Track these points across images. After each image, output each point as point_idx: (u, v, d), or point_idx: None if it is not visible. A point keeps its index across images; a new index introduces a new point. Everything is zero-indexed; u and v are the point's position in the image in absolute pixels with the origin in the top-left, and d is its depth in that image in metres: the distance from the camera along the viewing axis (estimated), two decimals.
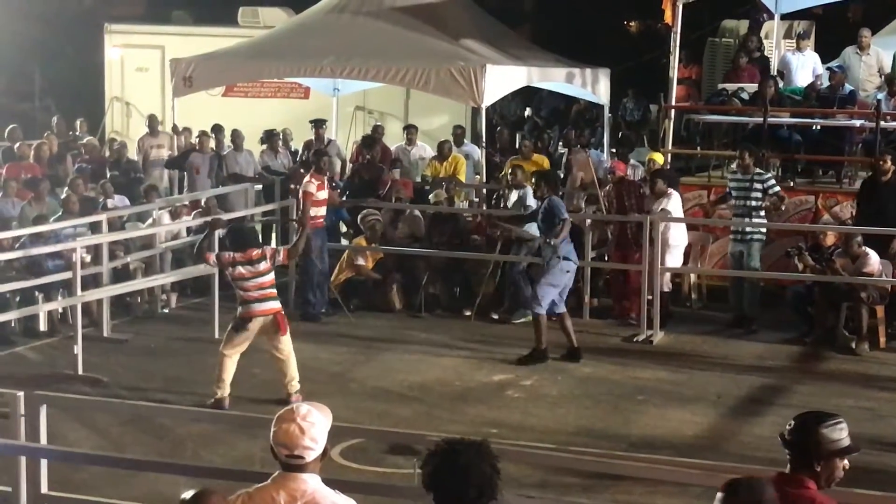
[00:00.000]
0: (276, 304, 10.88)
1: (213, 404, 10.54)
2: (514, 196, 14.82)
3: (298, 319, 14.09)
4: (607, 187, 14.55)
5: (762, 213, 13.98)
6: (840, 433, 4.79)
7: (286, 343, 10.88)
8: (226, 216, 14.24)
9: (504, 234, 14.40)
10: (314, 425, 4.63)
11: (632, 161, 17.28)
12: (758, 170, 14.07)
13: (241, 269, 10.77)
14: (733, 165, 15.10)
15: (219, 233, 12.02)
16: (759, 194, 13.87)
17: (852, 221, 14.46)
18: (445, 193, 15.76)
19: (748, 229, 13.93)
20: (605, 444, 9.52)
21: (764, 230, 14.03)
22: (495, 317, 14.39)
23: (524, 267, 14.33)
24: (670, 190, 14.25)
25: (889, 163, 13.88)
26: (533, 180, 13.06)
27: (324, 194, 14.20)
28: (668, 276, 14.21)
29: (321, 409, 4.74)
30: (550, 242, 12.30)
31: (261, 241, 15.69)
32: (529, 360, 12.42)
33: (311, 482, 4.66)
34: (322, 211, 14.26)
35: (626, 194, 14.21)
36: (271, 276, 10.91)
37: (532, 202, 14.66)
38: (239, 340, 10.81)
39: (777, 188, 13.98)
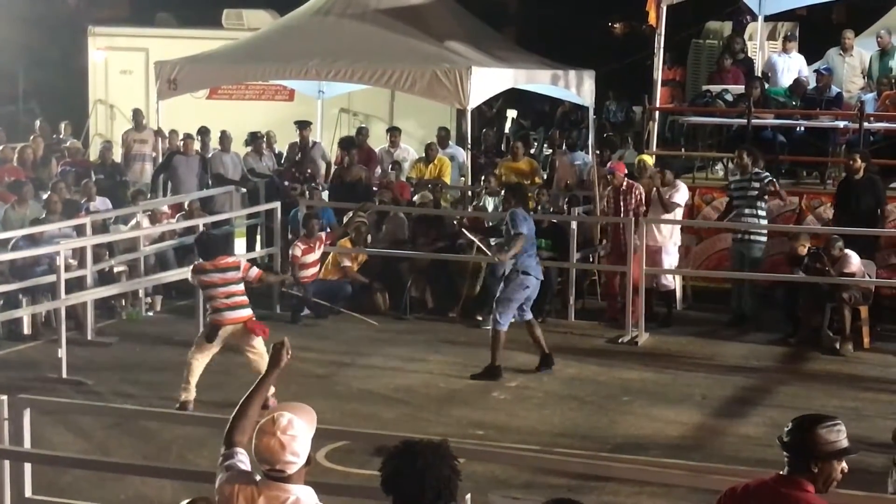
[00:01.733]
0: (246, 312, 10.86)
1: (179, 407, 10.52)
2: (491, 203, 14.81)
3: (289, 321, 14.15)
4: (607, 190, 14.48)
5: (762, 212, 14.05)
6: (838, 435, 4.79)
7: (260, 343, 10.84)
8: (209, 219, 14.25)
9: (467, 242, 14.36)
10: (295, 438, 4.53)
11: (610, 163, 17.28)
12: (755, 169, 14.13)
13: (211, 276, 10.78)
14: (726, 165, 15.16)
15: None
16: (756, 193, 13.94)
17: (832, 223, 14.52)
18: (430, 196, 15.77)
19: (749, 230, 14.01)
20: (590, 445, 9.53)
21: (764, 231, 14.09)
22: (480, 318, 14.38)
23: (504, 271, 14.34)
24: (677, 181, 14.34)
25: (859, 161, 13.98)
26: (502, 193, 12.97)
27: (312, 257, 14.49)
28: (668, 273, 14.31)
29: (305, 413, 4.64)
30: (497, 259, 12.24)
31: (233, 248, 15.83)
32: (483, 376, 12.03)
33: (296, 492, 4.58)
34: (311, 271, 14.54)
35: (625, 198, 14.12)
36: (241, 286, 10.89)
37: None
38: (208, 347, 10.84)
39: (770, 177, 14.07)
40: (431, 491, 4.17)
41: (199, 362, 10.79)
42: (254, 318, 10.93)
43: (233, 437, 4.92)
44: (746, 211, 14.10)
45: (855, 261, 13.22)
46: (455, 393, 11.66)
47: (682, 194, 14.36)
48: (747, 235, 14.16)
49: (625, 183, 14.16)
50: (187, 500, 4.93)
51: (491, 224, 14.07)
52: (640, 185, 14.22)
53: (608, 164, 15.03)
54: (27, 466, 7.15)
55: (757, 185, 14.01)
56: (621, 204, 14.15)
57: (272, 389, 10.63)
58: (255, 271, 11.18)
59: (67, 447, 9.51)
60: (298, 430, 4.54)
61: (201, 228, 14.49)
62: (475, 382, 11.97)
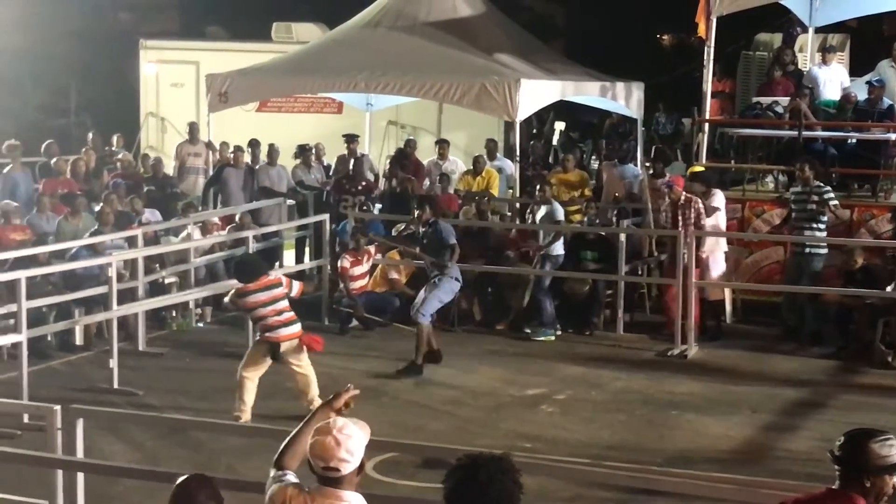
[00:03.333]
0: (298, 327, 10.90)
1: None
2: (541, 211, 14.84)
3: (337, 332, 14.23)
4: (665, 203, 14.41)
5: (822, 225, 13.95)
6: (890, 449, 4.76)
7: (305, 358, 10.88)
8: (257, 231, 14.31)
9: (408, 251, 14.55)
10: (350, 437, 4.61)
11: (668, 175, 17.21)
12: (817, 182, 14.04)
13: (258, 297, 10.77)
14: (777, 178, 15.05)
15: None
16: (818, 207, 13.84)
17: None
18: (474, 210, 15.75)
19: (808, 243, 13.91)
20: (639, 459, 9.46)
21: (824, 244, 13.98)
22: (528, 331, 14.37)
23: (547, 284, 14.39)
24: (712, 190, 14.25)
25: None
26: (417, 203, 13.18)
27: (360, 269, 14.66)
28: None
29: (359, 424, 4.72)
30: (443, 270, 12.55)
31: (282, 260, 15.93)
32: (405, 373, 12.49)
33: (348, 498, 4.62)
34: (360, 283, 14.68)
35: (683, 212, 13.94)
36: (287, 301, 10.92)
37: (560, 216, 14.71)
38: (261, 363, 10.83)
39: (835, 200, 13.96)
40: None
41: (253, 381, 10.77)
42: (304, 334, 10.94)
43: (283, 461, 4.99)
44: (806, 224, 13.99)
45: None
46: (503, 405, 11.65)
47: (719, 198, 14.28)
48: (807, 248, 14.04)
49: (683, 196, 13.97)
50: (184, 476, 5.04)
51: (408, 233, 14.20)
52: (699, 199, 14.05)
53: (666, 178, 14.86)
54: (80, 476, 7.21)
55: (817, 198, 13.90)
56: (679, 218, 13.95)
57: (319, 402, 10.75)
58: (297, 285, 11.19)
59: (119, 457, 9.58)
60: (353, 433, 4.64)
61: (251, 240, 14.60)
62: (523, 394, 11.98)
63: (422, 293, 12.71)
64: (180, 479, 4.96)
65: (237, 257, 12.41)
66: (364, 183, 17.06)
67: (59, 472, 7.19)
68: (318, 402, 10.82)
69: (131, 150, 20.39)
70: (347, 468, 4.61)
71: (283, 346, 10.73)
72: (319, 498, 4.62)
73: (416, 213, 12.89)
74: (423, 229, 12.73)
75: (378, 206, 16.87)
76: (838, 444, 4.82)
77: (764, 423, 11.15)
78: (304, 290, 11.50)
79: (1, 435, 10.05)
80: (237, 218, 15.93)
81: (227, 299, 11.43)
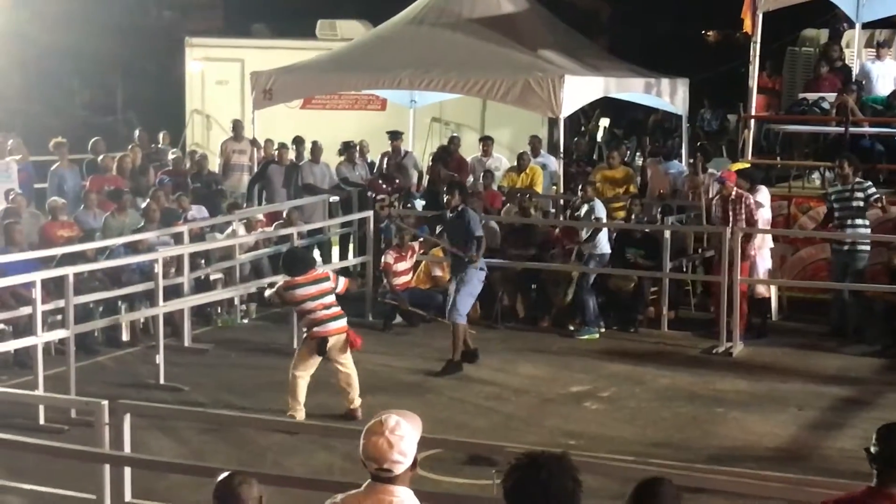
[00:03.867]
0: (345, 321, 10.91)
1: None
2: (584, 209, 14.80)
3: (381, 328, 14.31)
4: (714, 198, 14.34)
5: (865, 221, 13.82)
6: None
7: (349, 356, 10.88)
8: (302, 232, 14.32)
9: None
10: (403, 438, 4.58)
11: (710, 170, 17.14)
12: (857, 179, 13.93)
13: (307, 290, 10.77)
14: (823, 174, 14.94)
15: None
16: (860, 203, 13.72)
17: None
18: (516, 208, 15.72)
19: (850, 240, 13.82)
20: (684, 457, 9.43)
21: (868, 240, 13.86)
22: (572, 328, 14.34)
23: (591, 282, 14.35)
24: (757, 187, 14.17)
25: None
26: (445, 188, 13.03)
27: (404, 265, 14.67)
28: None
29: (411, 419, 4.68)
30: (468, 261, 12.38)
31: (330, 256, 15.95)
32: (444, 372, 12.38)
33: (401, 494, 4.61)
34: (403, 279, 14.69)
35: (734, 208, 13.82)
36: (334, 296, 10.91)
37: (602, 214, 14.66)
38: (312, 361, 10.83)
39: (877, 194, 13.84)
40: (556, 503, 4.16)
41: (304, 378, 10.78)
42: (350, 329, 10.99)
43: None
44: (849, 221, 13.88)
45: None
46: (547, 402, 11.64)
47: (763, 195, 14.21)
48: (851, 246, 13.92)
49: (734, 192, 13.84)
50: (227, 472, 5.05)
51: (431, 216, 14.17)
52: (750, 195, 13.96)
53: (718, 174, 14.74)
54: (127, 471, 7.28)
55: (860, 195, 13.77)
56: (730, 214, 13.81)
57: (360, 400, 10.75)
58: (342, 281, 11.18)
59: (165, 452, 9.64)
60: (405, 431, 4.60)
61: (296, 237, 14.65)
62: (566, 391, 11.96)
63: (452, 291, 12.64)
64: (221, 475, 4.98)
65: (286, 251, 12.42)
66: (397, 181, 17.04)
67: (107, 467, 7.25)
68: (358, 401, 10.85)
69: (177, 147, 20.51)
70: (401, 468, 4.60)
71: (331, 341, 10.74)
72: (372, 495, 4.62)
73: (446, 198, 12.83)
74: (450, 215, 12.62)
75: (421, 202, 16.87)
76: (873, 441, 4.78)
77: (810, 420, 11.08)
78: (348, 287, 11.44)
79: (49, 430, 10.14)
80: (284, 214, 15.98)
81: (269, 293, 11.44)
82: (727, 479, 6.70)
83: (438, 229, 14.08)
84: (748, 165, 15.18)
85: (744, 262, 13.63)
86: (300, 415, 10.65)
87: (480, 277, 12.65)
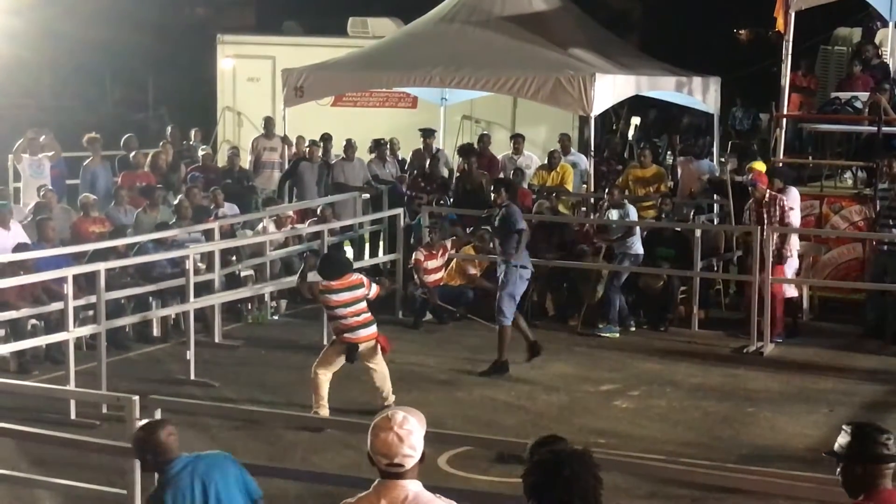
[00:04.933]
0: (374, 328, 10.89)
1: None
2: (614, 214, 14.76)
3: (411, 325, 14.38)
4: (749, 201, 14.24)
5: None
6: None
7: (381, 359, 10.89)
8: (332, 228, 14.34)
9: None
10: (412, 433, 4.63)
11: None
12: None
13: (342, 296, 10.77)
14: (855, 174, 14.84)
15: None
16: None
17: None
18: (547, 204, 15.69)
19: (892, 241, 13.74)
20: (714, 456, 9.40)
21: None
22: (600, 326, 14.31)
23: (622, 281, 14.31)
24: (787, 187, 14.10)
25: None
26: (493, 186, 12.90)
27: (434, 263, 14.64)
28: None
29: (415, 414, 4.74)
30: (508, 259, 12.19)
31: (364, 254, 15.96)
32: (491, 372, 12.27)
33: (412, 487, 4.66)
34: (434, 277, 14.66)
35: (768, 210, 13.70)
36: (365, 302, 10.90)
37: (633, 216, 14.61)
38: (337, 361, 10.83)
39: None
40: (578, 500, 4.15)
41: (326, 378, 10.79)
42: (379, 334, 10.96)
43: None
44: (891, 222, 13.80)
45: None
46: (577, 401, 11.62)
47: (793, 196, 14.14)
48: (885, 246, 13.82)
49: (768, 194, 13.75)
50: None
51: (483, 216, 14.09)
52: (784, 197, 13.85)
53: (749, 176, 14.66)
54: None
55: None
56: (764, 216, 13.69)
57: (393, 398, 10.78)
58: (374, 287, 11.12)
59: (195, 447, 9.63)
60: (413, 426, 4.66)
61: (327, 234, 14.64)
62: (596, 390, 11.94)
63: (498, 293, 12.55)
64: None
65: (323, 255, 12.40)
66: (439, 180, 17.07)
67: (137, 463, 7.27)
68: (392, 398, 10.87)
69: (208, 144, 20.59)
70: (411, 462, 4.65)
71: (362, 347, 10.75)
72: (385, 493, 4.67)
73: (493, 196, 12.75)
74: (497, 212, 12.55)
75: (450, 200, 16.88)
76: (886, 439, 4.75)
77: (841, 421, 10.87)
78: (378, 294, 11.33)
79: (80, 425, 10.20)
80: (319, 211, 16.01)
81: (301, 285, 11.42)
82: (757, 478, 6.68)
83: (469, 229, 14.11)
84: (763, 166, 15.10)
85: (781, 263, 13.56)
86: (324, 411, 10.65)
87: (523, 275, 12.46)
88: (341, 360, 10.84)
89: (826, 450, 4.86)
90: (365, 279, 11.13)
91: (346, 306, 10.76)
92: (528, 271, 12.59)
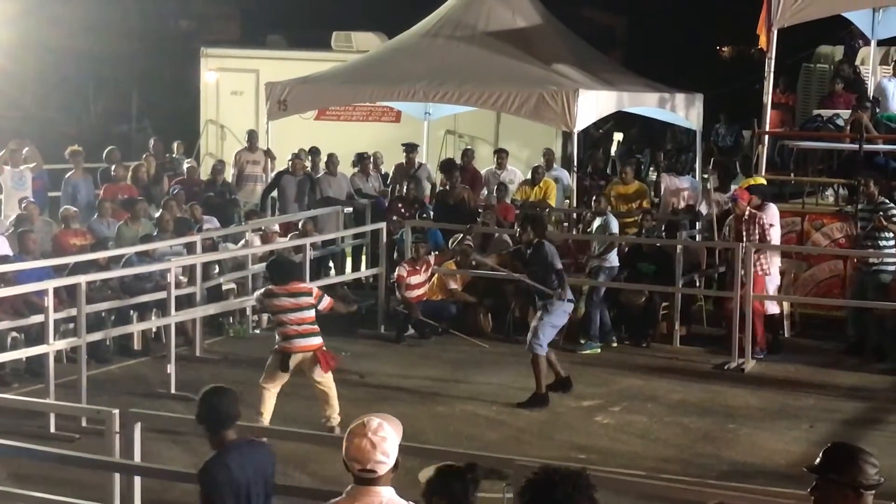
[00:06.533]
0: (317, 340, 10.59)
1: None
2: (596, 222, 14.77)
3: (393, 340, 14.34)
4: (729, 218, 14.26)
5: (890, 242, 13.79)
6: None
7: (326, 376, 10.60)
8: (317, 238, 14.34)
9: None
10: (386, 440, 4.69)
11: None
12: (881, 198, 13.94)
13: (282, 301, 10.57)
14: (836, 191, 14.90)
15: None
16: (883, 223, 13.71)
17: None
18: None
19: (873, 260, 13.81)
20: (695, 472, 9.39)
21: (891, 259, 13.82)
22: (582, 342, 14.31)
23: (601, 296, 14.30)
24: (766, 204, 14.14)
25: None
26: (519, 223, 12.59)
27: (418, 278, 14.59)
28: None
29: (392, 421, 4.80)
30: (553, 296, 11.83)
31: (345, 268, 15.89)
32: (530, 405, 11.85)
33: (385, 493, 4.72)
34: (417, 292, 14.61)
35: (748, 227, 13.73)
36: (313, 313, 10.61)
37: (615, 229, 14.62)
38: (281, 376, 10.59)
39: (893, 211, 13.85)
40: None
41: (272, 392, 10.58)
42: (324, 348, 10.66)
43: None
44: (870, 242, 13.86)
45: None
46: (558, 416, 11.62)
47: (772, 213, 14.17)
48: (873, 266, 13.89)
49: (747, 212, 13.79)
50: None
51: (512, 249, 13.86)
52: (763, 214, 13.87)
53: (731, 192, 14.68)
54: (137, 479, 7.28)
55: (882, 214, 13.76)
56: (743, 233, 13.73)
57: (338, 419, 10.53)
58: (326, 300, 10.82)
59: (175, 461, 9.64)
60: (388, 433, 4.72)
61: (309, 248, 14.64)
62: (578, 405, 11.94)
63: (534, 322, 12.21)
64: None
65: (272, 258, 12.32)
66: (417, 204, 16.91)
67: (117, 476, 7.26)
68: (336, 419, 10.53)
69: (192, 157, 20.57)
70: (383, 469, 4.71)
71: (294, 358, 10.51)
72: (358, 498, 4.72)
73: (518, 233, 12.47)
74: (528, 251, 12.06)
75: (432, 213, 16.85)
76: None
77: (822, 437, 11.01)
78: (333, 308, 11.01)
79: (60, 438, 10.16)
80: (300, 225, 15.99)
81: (255, 297, 11.37)
82: (738, 494, 6.67)
83: (451, 243, 14.04)
84: (763, 181, 15.12)
85: (762, 275, 13.58)
86: (263, 424, 10.29)
87: (567, 309, 12.15)
88: (283, 374, 10.58)
89: (806, 464, 4.86)
90: (316, 290, 10.89)
91: (287, 312, 10.53)
92: (572, 304, 12.37)
